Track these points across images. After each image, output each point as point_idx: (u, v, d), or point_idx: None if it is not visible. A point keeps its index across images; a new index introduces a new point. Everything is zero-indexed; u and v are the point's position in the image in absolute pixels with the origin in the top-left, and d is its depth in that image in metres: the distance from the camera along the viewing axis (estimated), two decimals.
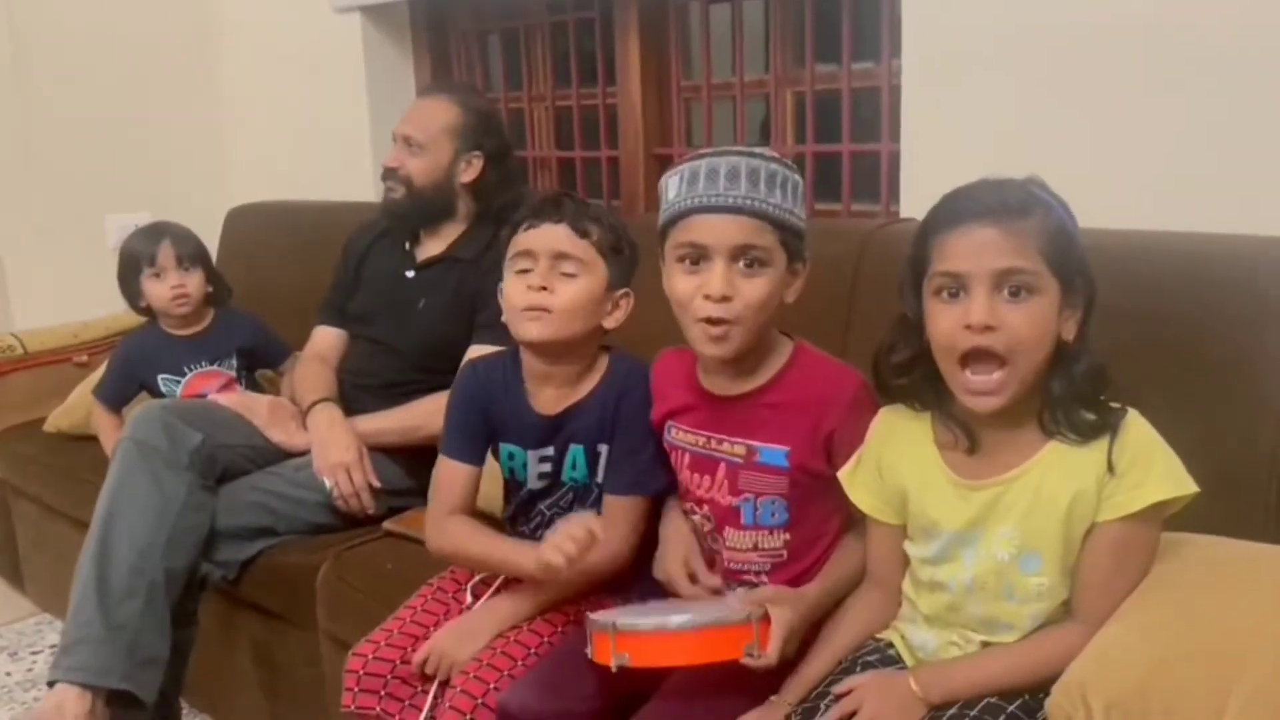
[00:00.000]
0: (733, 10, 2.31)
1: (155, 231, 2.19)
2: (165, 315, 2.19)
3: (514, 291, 1.40)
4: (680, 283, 1.28)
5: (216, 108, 3.17)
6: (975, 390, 1.10)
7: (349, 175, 2.83)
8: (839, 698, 1.13)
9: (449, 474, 1.49)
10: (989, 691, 1.09)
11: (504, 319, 1.44)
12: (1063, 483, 1.10)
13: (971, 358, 1.10)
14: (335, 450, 1.86)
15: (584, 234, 1.40)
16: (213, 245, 2.75)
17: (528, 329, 1.40)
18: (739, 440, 1.33)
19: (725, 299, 1.24)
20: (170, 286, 2.15)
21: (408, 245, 2.09)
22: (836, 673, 1.20)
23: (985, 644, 1.16)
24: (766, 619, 1.18)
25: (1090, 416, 1.10)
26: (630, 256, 1.45)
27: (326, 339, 2.15)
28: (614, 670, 1.18)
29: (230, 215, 2.91)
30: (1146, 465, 1.08)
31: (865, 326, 1.66)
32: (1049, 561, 1.12)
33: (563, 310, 1.39)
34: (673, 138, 2.46)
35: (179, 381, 2.16)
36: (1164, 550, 1.14)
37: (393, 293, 2.07)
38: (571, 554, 1.30)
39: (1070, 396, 1.11)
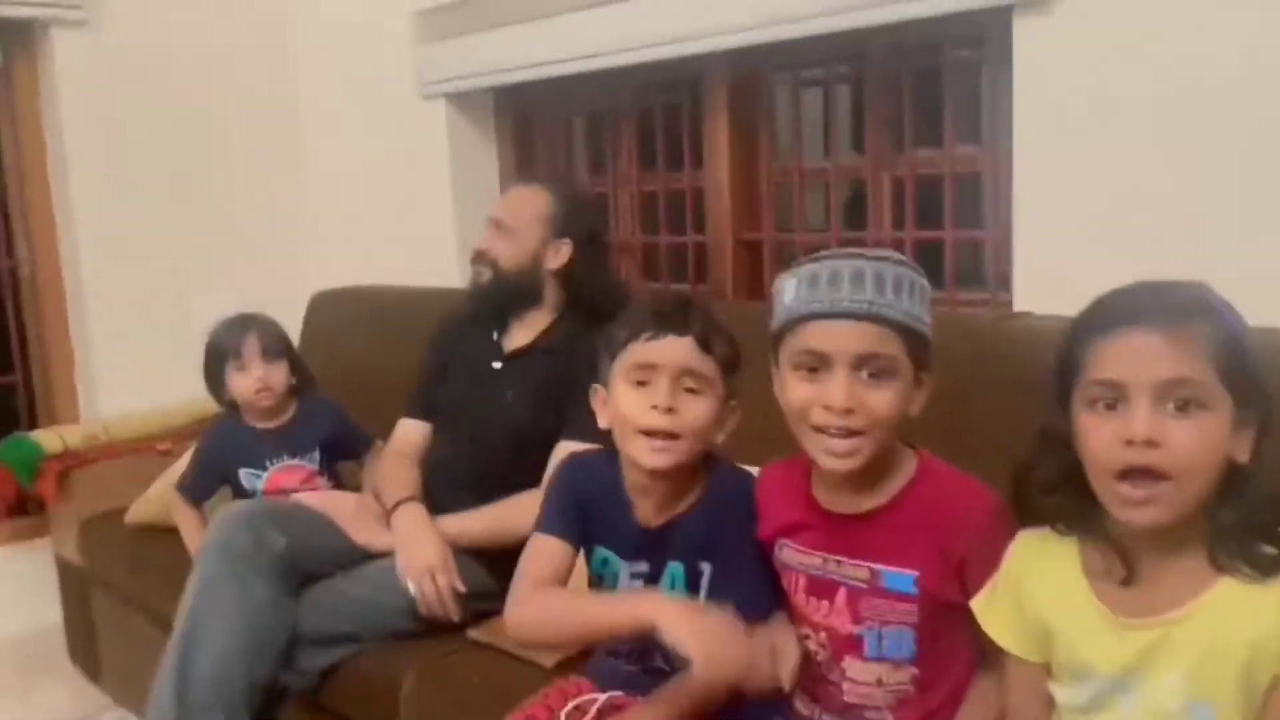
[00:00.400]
0: (825, 92, 2.26)
1: (241, 323, 2.17)
2: (248, 408, 2.16)
3: (632, 408, 1.31)
4: (798, 391, 1.19)
5: (303, 191, 3.18)
6: (1134, 501, 0.99)
7: (433, 261, 2.81)
8: None
9: (544, 546, 1.38)
10: None
11: (604, 425, 1.37)
12: (1240, 626, 0.98)
13: (1130, 475, 0.99)
14: (420, 552, 1.79)
15: (709, 349, 1.31)
16: (296, 329, 2.76)
17: (651, 459, 1.30)
18: (861, 563, 1.23)
19: (849, 411, 1.16)
20: (254, 379, 2.12)
21: (495, 336, 2.04)
22: None
23: None
24: None
25: (1270, 551, 0.98)
26: (736, 367, 1.36)
27: (411, 432, 2.10)
28: None
29: (314, 300, 2.91)
30: None
31: (980, 433, 1.55)
32: (1226, 714, 0.99)
33: (689, 433, 1.30)
34: (761, 222, 2.39)
35: (260, 475, 2.12)
36: None
37: (480, 384, 2.01)
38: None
39: (1244, 527, 0.99)
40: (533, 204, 2.00)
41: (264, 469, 2.12)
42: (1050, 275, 1.76)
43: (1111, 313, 1.02)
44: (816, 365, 1.18)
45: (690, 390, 1.30)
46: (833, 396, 1.16)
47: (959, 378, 1.62)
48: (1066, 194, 1.74)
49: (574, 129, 2.85)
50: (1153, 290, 1.02)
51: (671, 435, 1.29)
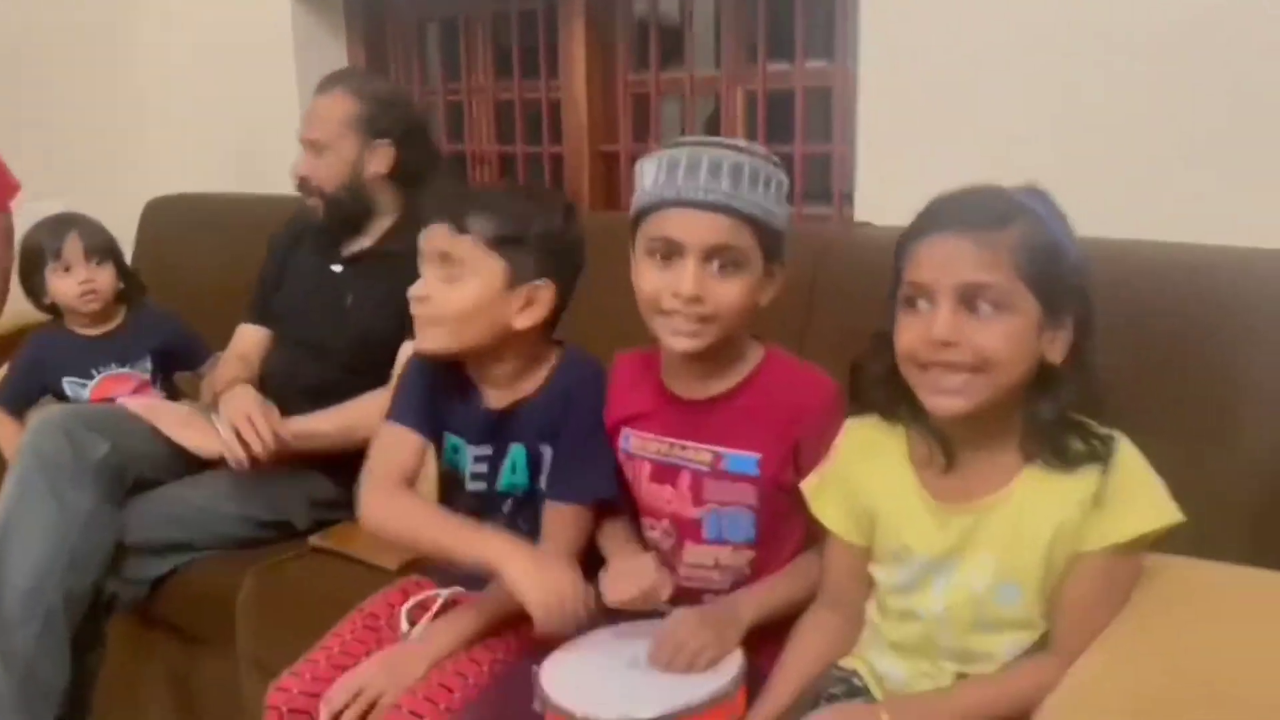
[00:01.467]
0: (681, 4, 2.24)
1: (61, 223, 2.05)
2: (72, 313, 2.04)
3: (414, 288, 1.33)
4: (650, 278, 1.21)
5: (134, 91, 2.99)
6: (939, 390, 1.03)
7: (274, 167, 2.68)
8: None
9: (396, 438, 1.37)
10: None
11: None
12: (1046, 512, 1.04)
13: (931, 368, 1.03)
14: (240, 401, 1.72)
15: (463, 230, 1.29)
16: (129, 239, 2.61)
17: (418, 340, 1.34)
18: (705, 446, 1.26)
19: (697, 300, 1.17)
20: (78, 282, 2.00)
21: (334, 241, 1.97)
22: (800, 707, 1.12)
23: (960, 675, 1.09)
24: (740, 684, 1.11)
25: (1077, 444, 1.04)
26: (543, 244, 1.32)
27: (249, 337, 2.01)
28: None
29: (148, 207, 2.75)
30: (1133, 496, 1.02)
31: (822, 336, 1.60)
32: (1028, 592, 1.06)
33: (448, 318, 1.30)
34: (618, 134, 2.37)
35: (86, 385, 2.01)
36: (1147, 572, 1.08)
37: (319, 289, 1.94)
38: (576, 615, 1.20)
39: (1055, 422, 1.04)
40: (337, 112, 1.90)
41: (90, 378, 2.02)
42: (891, 189, 1.79)
43: (927, 218, 1.05)
44: (669, 253, 1.19)
45: (449, 278, 1.30)
46: (683, 285, 1.17)
47: (803, 285, 1.66)
48: (908, 110, 1.78)
49: (428, 34, 2.75)
50: (967, 197, 1.05)
51: (426, 319, 1.31)
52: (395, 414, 1.39)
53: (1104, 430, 1.04)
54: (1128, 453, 1.04)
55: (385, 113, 1.90)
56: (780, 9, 2.08)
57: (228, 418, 1.70)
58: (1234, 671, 0.97)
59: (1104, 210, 1.50)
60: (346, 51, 2.75)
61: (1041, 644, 1.07)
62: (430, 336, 1.32)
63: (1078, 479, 1.03)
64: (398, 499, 1.34)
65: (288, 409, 1.84)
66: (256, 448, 1.68)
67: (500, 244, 1.30)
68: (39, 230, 2.05)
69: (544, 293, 1.32)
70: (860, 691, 1.14)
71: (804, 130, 2.07)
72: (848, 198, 1.97)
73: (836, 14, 1.99)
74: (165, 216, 2.72)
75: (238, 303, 2.10)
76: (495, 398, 1.37)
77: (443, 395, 1.39)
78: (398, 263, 1.85)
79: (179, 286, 2.40)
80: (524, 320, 1.32)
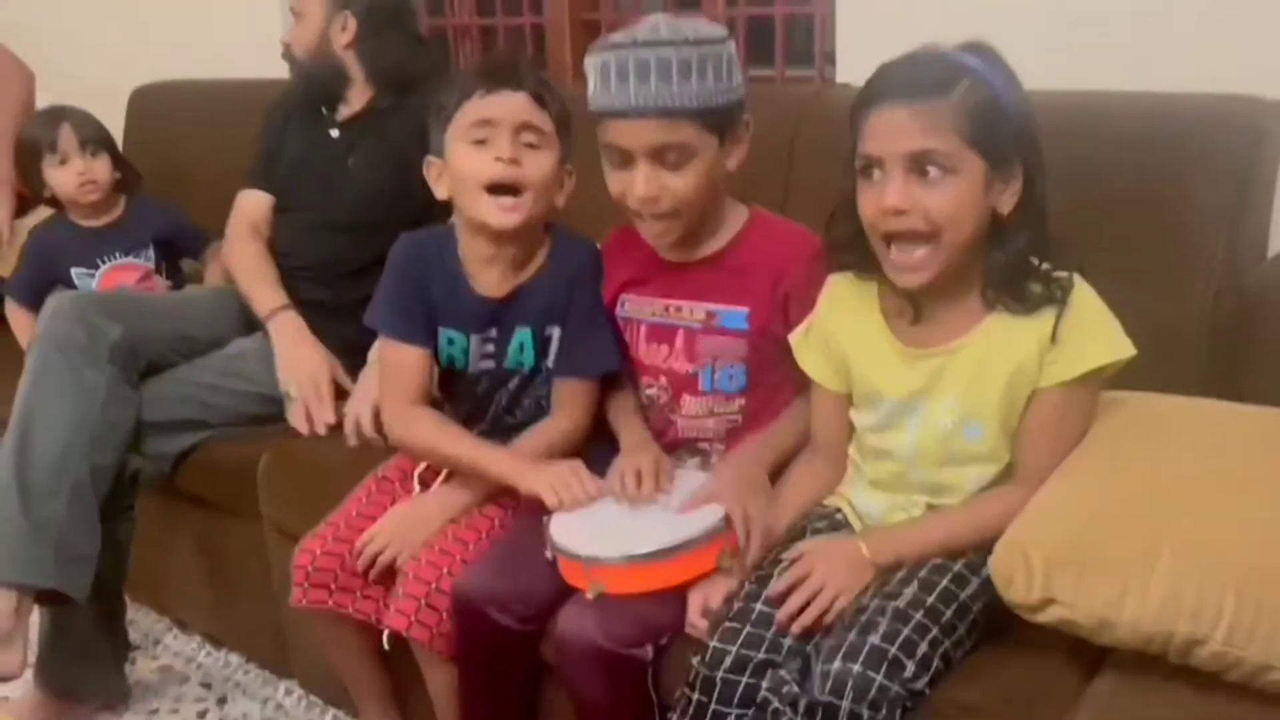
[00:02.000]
0: None
1: (53, 115, 2.08)
2: (73, 204, 2.09)
3: (474, 164, 1.32)
4: (612, 181, 1.28)
5: None
6: (900, 267, 1.11)
7: (261, 50, 2.66)
8: (791, 563, 1.15)
9: (399, 357, 1.43)
10: (935, 553, 1.12)
11: (442, 196, 1.39)
12: (1006, 353, 1.12)
13: (894, 237, 1.10)
14: (305, 363, 1.78)
15: (544, 105, 1.33)
16: (118, 128, 2.61)
17: (499, 217, 1.33)
18: (698, 304, 1.33)
19: (654, 199, 1.24)
20: (76, 173, 2.04)
21: (325, 110, 1.99)
22: (786, 539, 1.22)
23: (930, 507, 1.19)
24: (728, 521, 1.19)
25: (1035, 288, 1.11)
26: (569, 128, 1.39)
27: (256, 205, 2.01)
28: (590, 598, 1.18)
29: (135, 95, 2.74)
30: (1089, 332, 1.09)
31: (804, 194, 1.64)
32: (990, 428, 1.14)
33: (534, 186, 1.33)
34: (599, 2, 2.36)
35: (93, 275, 2.07)
36: (1101, 409, 1.17)
37: (319, 156, 1.95)
38: (577, 497, 1.28)
39: (1010, 269, 1.11)
40: None
41: (95, 267, 2.08)
42: (869, 50, 1.80)
43: (873, 89, 1.10)
44: (622, 160, 1.25)
45: (530, 145, 1.33)
46: (636, 188, 1.24)
47: (784, 143, 1.70)
48: None
49: None
50: (909, 65, 1.10)
51: (516, 190, 1.32)
52: (389, 328, 1.43)
53: (1061, 273, 1.11)
54: (1082, 292, 1.11)
55: None
56: None
57: (297, 384, 1.76)
58: (1180, 487, 1.06)
59: (1076, 62, 1.55)
60: None
61: (1006, 476, 1.16)
62: (513, 215, 1.33)
63: (1037, 320, 1.11)
64: (419, 420, 1.41)
65: (300, 289, 1.90)
66: (319, 430, 1.74)
67: (560, 123, 1.36)
68: (33, 124, 2.08)
69: (571, 177, 1.40)
70: (842, 526, 1.24)
71: None
72: (829, 57, 1.98)
73: None
74: (152, 105, 2.72)
75: (230, 188, 2.12)
76: (491, 285, 1.41)
77: (430, 292, 1.42)
78: (390, 121, 1.90)
79: (170, 174, 2.42)
80: (562, 199, 1.39)
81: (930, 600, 1.06)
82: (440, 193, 1.40)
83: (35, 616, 1.63)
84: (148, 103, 2.73)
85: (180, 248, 2.20)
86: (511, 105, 1.32)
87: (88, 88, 2.48)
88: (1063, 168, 1.16)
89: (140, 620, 2.06)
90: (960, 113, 1.06)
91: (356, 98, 1.96)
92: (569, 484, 1.29)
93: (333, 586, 1.41)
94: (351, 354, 1.80)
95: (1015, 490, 1.13)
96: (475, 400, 1.49)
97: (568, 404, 1.41)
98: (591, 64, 1.25)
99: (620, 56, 1.21)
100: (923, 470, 1.18)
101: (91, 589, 1.62)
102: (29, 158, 2.07)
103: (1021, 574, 1.02)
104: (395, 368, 1.43)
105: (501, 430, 1.47)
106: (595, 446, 1.42)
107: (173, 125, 2.63)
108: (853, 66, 1.86)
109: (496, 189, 1.32)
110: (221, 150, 2.38)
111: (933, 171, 1.06)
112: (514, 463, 1.36)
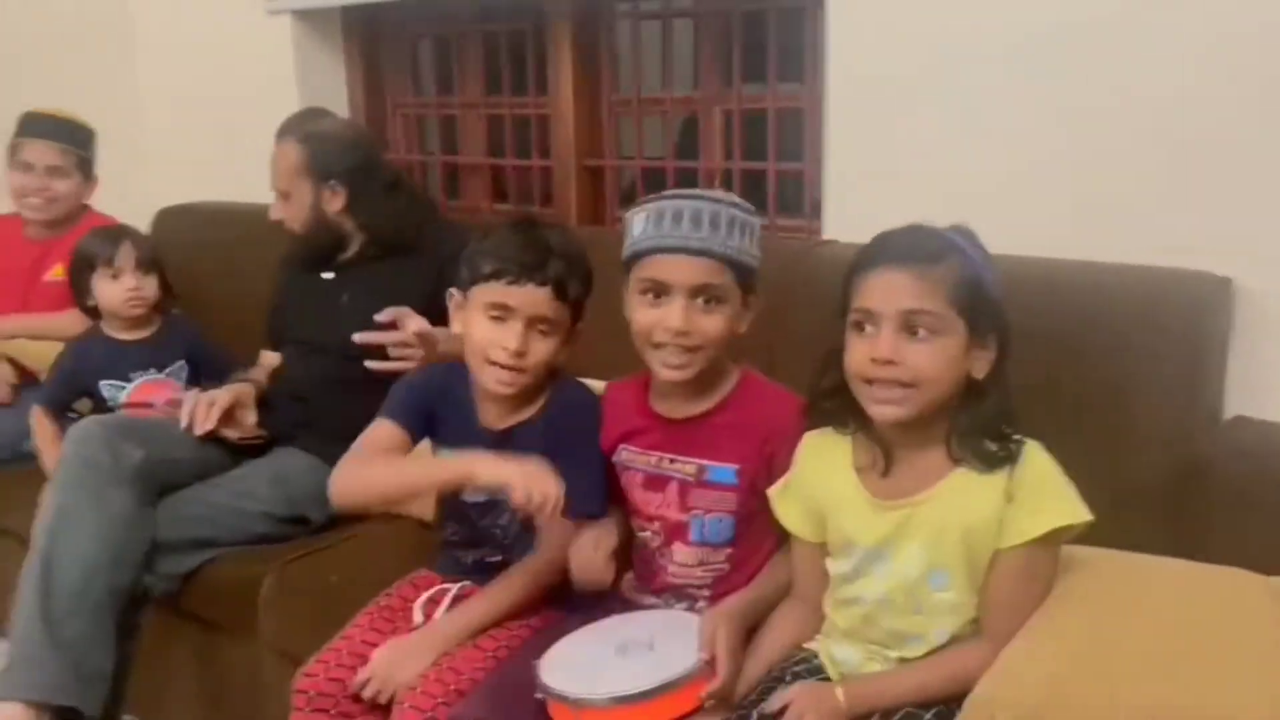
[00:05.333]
0: (663, 27, 2.38)
1: (114, 233, 2.24)
2: (113, 317, 2.20)
3: (486, 338, 1.44)
4: (643, 314, 1.39)
5: (139, 106, 3.12)
6: (879, 400, 1.21)
7: None
8: (777, 713, 1.21)
9: (382, 431, 1.51)
10: (908, 701, 1.19)
11: (455, 330, 1.51)
12: (967, 508, 1.21)
13: (876, 383, 1.20)
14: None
15: (564, 296, 1.45)
16: None
17: (497, 387, 1.46)
18: (690, 459, 1.43)
19: (684, 333, 1.35)
20: (127, 288, 2.17)
21: (321, 258, 2.13)
22: (767, 681, 1.29)
23: (901, 659, 1.26)
24: (712, 661, 1.26)
25: (993, 448, 1.21)
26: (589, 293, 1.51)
27: (270, 361, 2.22)
28: None
29: (160, 215, 2.89)
30: (1043, 494, 1.19)
31: (791, 345, 1.74)
32: (956, 579, 1.23)
33: (533, 368, 1.46)
34: (603, 149, 2.52)
35: (123, 388, 2.17)
36: (1068, 564, 1.25)
37: (314, 296, 2.10)
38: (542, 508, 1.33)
39: (976, 429, 1.22)
40: (287, 160, 2.06)
41: (127, 381, 2.17)
42: (854, 206, 1.96)
43: (874, 252, 1.23)
44: (659, 292, 1.37)
45: (541, 332, 1.45)
46: (672, 320, 1.35)
47: (773, 297, 1.80)
48: (871, 133, 1.93)
49: (421, 51, 2.88)
50: (907, 235, 1.23)
51: (517, 369, 1.45)
52: (387, 410, 1.54)
53: (1016, 436, 1.21)
54: (1035, 455, 1.21)
55: (330, 154, 2.05)
56: (755, 34, 2.23)
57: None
58: (1141, 646, 1.14)
59: (1039, 228, 1.68)
60: (345, 68, 2.89)
61: (970, 630, 1.24)
62: (507, 388, 1.46)
63: (993, 478, 1.21)
64: (365, 463, 1.49)
65: (282, 406, 2.04)
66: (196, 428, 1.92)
67: (576, 303, 1.48)
68: (93, 238, 2.22)
69: (577, 335, 1.52)
70: (818, 671, 1.31)
71: (776, 149, 2.22)
72: (816, 208, 2.12)
73: (806, 38, 2.13)
74: (176, 224, 2.86)
75: (247, 309, 2.26)
76: (494, 418, 1.53)
77: (440, 409, 1.54)
78: (382, 265, 2.04)
79: (190, 293, 2.53)
80: (563, 357, 1.51)
81: None
82: (454, 326, 1.52)
83: None
84: (172, 221, 2.87)
85: (208, 368, 2.29)
86: (532, 299, 1.43)
87: (115, 204, 2.63)
88: (1021, 332, 1.27)
89: None
90: (950, 282, 1.18)
91: (351, 247, 2.11)
92: (536, 478, 1.33)
93: (332, 712, 1.46)
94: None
95: (983, 645, 1.20)
96: (475, 528, 1.57)
97: (548, 538, 1.50)
98: (646, 209, 1.39)
99: (677, 204, 1.36)
100: (890, 618, 1.26)
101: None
102: (82, 267, 2.19)
103: None
104: (374, 438, 1.51)
105: (487, 567, 1.56)
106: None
107: (195, 246, 2.75)
108: (838, 222, 2.00)
109: (501, 366, 1.45)
110: (240, 272, 2.51)
111: (922, 331, 1.18)
112: (467, 457, 1.41)
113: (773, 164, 2.22)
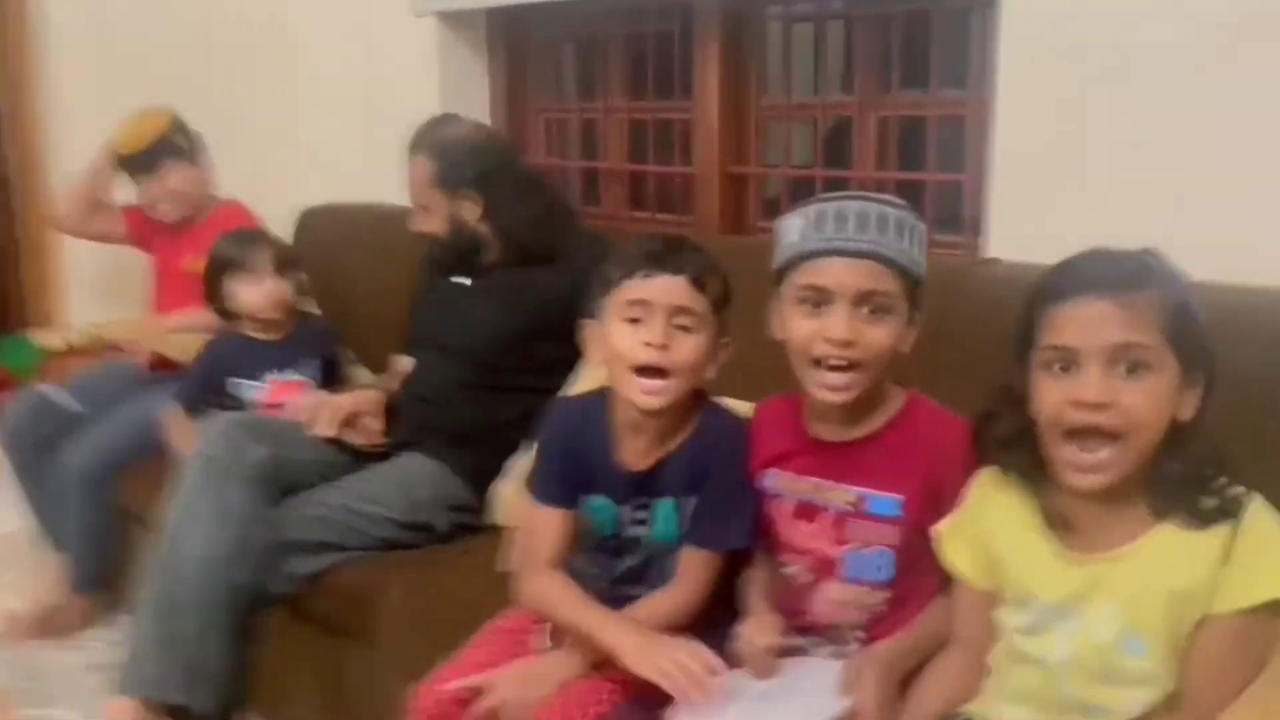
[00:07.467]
0: (815, 30, 2.27)
1: (253, 236, 2.26)
2: (250, 319, 2.22)
3: (626, 343, 1.33)
4: (800, 325, 1.26)
5: (293, 107, 3.18)
6: (1081, 467, 1.06)
7: None
8: None
9: (544, 520, 1.44)
10: None
11: (597, 361, 1.41)
12: (1174, 569, 1.06)
13: (1079, 434, 1.05)
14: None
15: (703, 288, 1.34)
16: None
17: (643, 400, 1.34)
18: (849, 487, 1.30)
19: (849, 344, 1.22)
20: (265, 290, 2.18)
21: (459, 264, 2.11)
22: None
23: None
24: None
25: (1209, 502, 1.05)
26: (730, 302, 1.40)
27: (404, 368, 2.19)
28: None
29: (303, 216, 2.92)
30: (1267, 557, 1.03)
31: (948, 369, 1.60)
32: (1155, 648, 1.07)
33: (681, 370, 1.33)
34: (748, 156, 2.42)
35: (255, 387, 2.17)
36: None
37: (452, 302, 2.08)
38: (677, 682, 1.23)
39: (1186, 480, 1.06)
40: (420, 175, 2.06)
41: (259, 380, 2.18)
42: (1022, 223, 1.80)
43: (1066, 280, 1.08)
44: (820, 300, 1.24)
45: (683, 328, 1.33)
46: (834, 329, 1.22)
47: (931, 317, 1.68)
48: (1045, 144, 1.77)
49: (565, 54, 2.84)
50: (1104, 259, 1.08)
51: (663, 373, 1.32)
52: (539, 493, 1.46)
53: (1236, 488, 1.05)
54: (1260, 512, 1.05)
55: (462, 164, 2.02)
56: (913, 36, 2.10)
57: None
58: None
59: (1244, 255, 1.50)
60: (488, 70, 2.87)
61: (1166, 705, 1.09)
62: (656, 399, 1.33)
63: (1208, 536, 1.05)
64: (545, 583, 1.41)
65: (409, 409, 2.03)
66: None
67: (722, 302, 1.36)
68: (229, 242, 2.24)
69: (728, 349, 1.39)
70: None
71: (936, 159, 2.08)
72: (976, 224, 1.97)
73: (971, 40, 1.99)
74: (318, 224, 2.89)
75: (387, 310, 2.25)
76: (638, 455, 1.41)
77: (581, 461, 1.43)
78: (516, 273, 2.01)
79: (330, 292, 2.55)
80: (713, 372, 1.39)
81: None
82: (593, 356, 1.43)
83: None
84: (315, 222, 2.90)
85: (341, 372, 2.30)
86: (669, 289, 1.33)
87: (260, 204, 2.67)
88: (1223, 369, 1.11)
89: None
90: (1162, 310, 1.03)
91: (490, 255, 2.06)
92: (683, 672, 1.24)
93: None
94: (472, 478, 1.92)
95: None
96: (605, 567, 1.48)
97: (688, 574, 1.39)
98: (800, 213, 1.27)
99: (839, 205, 1.25)
100: (1074, 685, 1.11)
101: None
102: (217, 270, 2.21)
103: None
104: (538, 530, 1.45)
105: (619, 599, 1.45)
106: (716, 622, 1.38)
107: (337, 245, 2.78)
108: (1004, 239, 1.85)
109: (644, 370, 1.33)
110: (380, 273, 2.51)
111: (1133, 369, 1.03)
112: (628, 641, 1.31)
113: (932, 173, 2.08)
